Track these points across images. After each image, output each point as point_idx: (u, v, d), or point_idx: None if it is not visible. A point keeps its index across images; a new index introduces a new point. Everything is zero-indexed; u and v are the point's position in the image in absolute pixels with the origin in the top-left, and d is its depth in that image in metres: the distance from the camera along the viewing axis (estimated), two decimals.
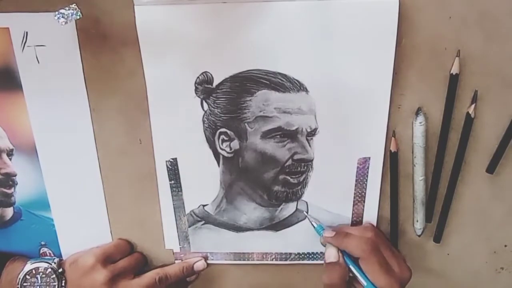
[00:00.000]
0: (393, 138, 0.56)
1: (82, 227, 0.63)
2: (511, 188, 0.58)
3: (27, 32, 0.52)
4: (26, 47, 0.53)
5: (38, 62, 0.54)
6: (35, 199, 0.61)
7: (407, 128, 0.56)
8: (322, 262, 0.63)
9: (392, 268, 0.55)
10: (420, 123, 0.54)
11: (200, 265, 0.64)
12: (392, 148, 0.56)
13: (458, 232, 0.61)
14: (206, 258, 0.64)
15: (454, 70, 0.52)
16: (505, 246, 0.62)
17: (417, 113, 0.54)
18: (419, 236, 0.60)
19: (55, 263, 0.60)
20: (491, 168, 0.57)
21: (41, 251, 0.64)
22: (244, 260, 0.64)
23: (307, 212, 0.60)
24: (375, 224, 0.60)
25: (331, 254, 0.57)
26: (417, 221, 0.59)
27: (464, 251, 0.62)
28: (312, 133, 0.56)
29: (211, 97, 0.54)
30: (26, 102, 0.56)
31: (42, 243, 0.64)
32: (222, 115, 0.55)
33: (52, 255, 0.64)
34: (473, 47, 0.52)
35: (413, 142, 0.56)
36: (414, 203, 0.59)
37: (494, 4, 0.50)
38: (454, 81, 0.53)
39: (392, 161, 0.57)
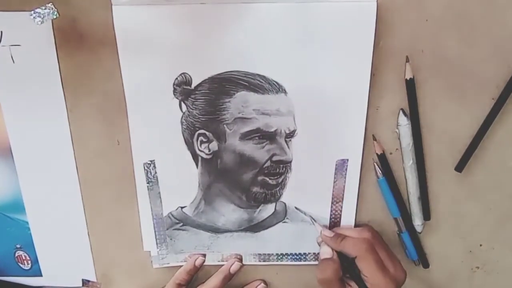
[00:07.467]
0: (375, 142, 0.57)
1: (58, 230, 0.62)
2: (484, 188, 0.59)
3: (1, 32, 0.52)
4: (0, 47, 0.52)
5: (13, 62, 0.53)
6: (10, 202, 0.60)
7: (385, 129, 0.56)
8: (300, 263, 0.63)
9: (387, 268, 0.56)
10: (406, 124, 0.55)
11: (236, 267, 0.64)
12: (378, 151, 0.57)
13: (435, 231, 0.62)
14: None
15: (408, 75, 0.53)
16: (480, 245, 0.63)
17: (401, 114, 0.55)
18: (420, 233, 0.61)
19: None
20: (460, 167, 0.57)
21: (16, 254, 0.63)
22: (222, 261, 0.63)
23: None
24: (353, 225, 0.61)
25: (326, 251, 0.59)
26: (417, 218, 0.60)
27: (441, 250, 0.63)
28: (290, 134, 0.56)
29: (189, 98, 0.54)
30: (0, 103, 0.55)
31: (18, 246, 0.63)
32: (201, 116, 0.55)
33: (28, 258, 0.63)
34: (449, 49, 0.52)
35: (401, 143, 0.56)
36: (410, 202, 0.60)
37: (470, 6, 0.51)
38: (411, 86, 0.53)
39: (382, 162, 0.58)
